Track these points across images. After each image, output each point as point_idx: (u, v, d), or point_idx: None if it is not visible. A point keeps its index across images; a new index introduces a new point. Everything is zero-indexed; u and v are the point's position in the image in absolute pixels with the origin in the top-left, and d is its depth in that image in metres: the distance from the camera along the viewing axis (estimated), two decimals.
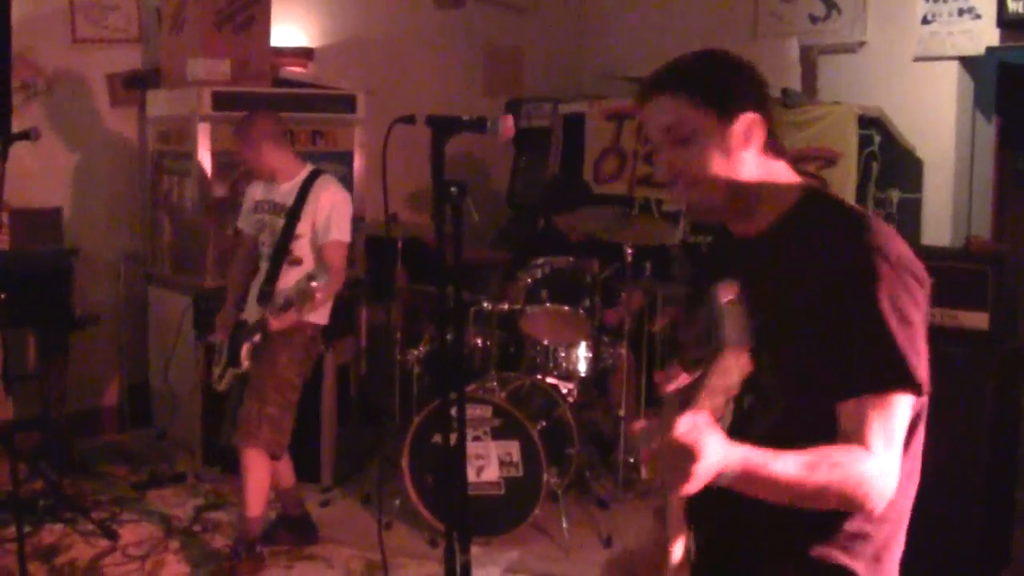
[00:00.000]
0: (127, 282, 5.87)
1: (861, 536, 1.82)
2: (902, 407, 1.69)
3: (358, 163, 5.66)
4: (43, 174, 5.51)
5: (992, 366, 3.73)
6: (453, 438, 2.71)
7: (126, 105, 5.85)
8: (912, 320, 1.70)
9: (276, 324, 4.08)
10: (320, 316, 4.29)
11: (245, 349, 4.18)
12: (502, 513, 4.41)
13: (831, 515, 1.77)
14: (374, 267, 5.74)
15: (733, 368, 1.70)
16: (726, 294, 1.75)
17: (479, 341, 4.92)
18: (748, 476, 1.62)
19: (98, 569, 4.18)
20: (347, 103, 5.65)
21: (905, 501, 1.85)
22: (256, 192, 4.46)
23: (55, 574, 4.12)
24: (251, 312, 4.27)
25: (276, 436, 4.12)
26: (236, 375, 4.24)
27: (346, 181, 5.60)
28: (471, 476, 4.33)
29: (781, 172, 1.88)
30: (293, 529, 4.46)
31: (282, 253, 4.22)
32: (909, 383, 1.68)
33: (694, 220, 1.86)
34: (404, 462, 4.49)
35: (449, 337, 2.84)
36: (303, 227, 4.22)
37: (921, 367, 1.70)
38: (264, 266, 4.30)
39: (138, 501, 4.88)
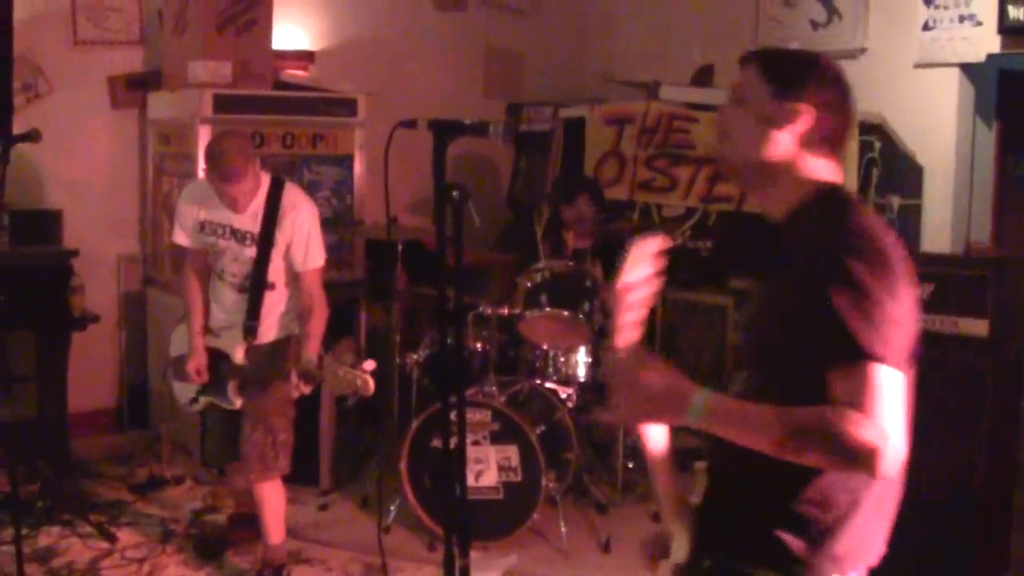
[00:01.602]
0: (126, 284, 5.88)
1: (808, 517, 1.82)
2: (882, 375, 1.68)
3: (359, 166, 5.65)
4: (44, 175, 5.51)
5: (992, 373, 3.72)
6: (452, 442, 2.71)
7: (127, 107, 5.85)
8: (875, 299, 1.70)
9: (305, 390, 3.84)
10: None
11: (232, 388, 4.02)
12: (501, 517, 4.41)
13: (790, 486, 1.80)
14: (374, 269, 5.73)
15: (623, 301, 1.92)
16: (641, 241, 1.90)
17: (478, 345, 4.92)
18: (720, 412, 1.76)
19: (96, 572, 4.18)
20: (348, 106, 5.64)
21: (861, 486, 1.83)
22: (198, 211, 4.08)
23: None
24: (229, 344, 4.06)
25: (288, 456, 4.09)
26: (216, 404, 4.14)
27: (346, 184, 5.62)
28: (470, 480, 4.32)
29: (813, 168, 1.92)
30: (250, 525, 4.32)
31: (262, 286, 4.02)
32: (860, 354, 1.68)
33: (721, 173, 2.01)
34: (403, 466, 4.49)
35: (449, 340, 2.83)
36: (275, 252, 4.00)
37: (877, 339, 1.69)
38: (234, 296, 4.08)
39: (136, 503, 4.88)
